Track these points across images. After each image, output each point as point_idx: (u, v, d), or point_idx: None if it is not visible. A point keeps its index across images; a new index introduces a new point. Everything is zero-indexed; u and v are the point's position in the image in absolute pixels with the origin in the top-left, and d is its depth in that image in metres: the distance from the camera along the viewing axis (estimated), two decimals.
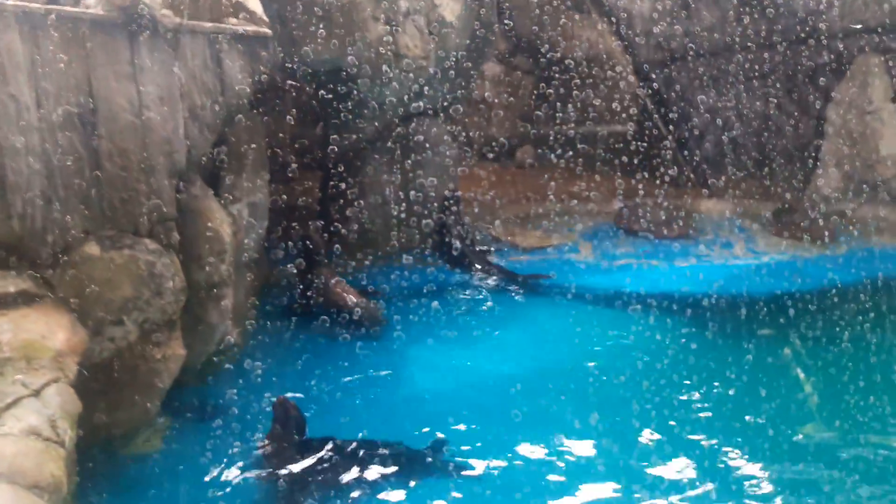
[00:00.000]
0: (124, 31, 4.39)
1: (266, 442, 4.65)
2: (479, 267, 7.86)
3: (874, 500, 4.57)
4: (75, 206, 4.28)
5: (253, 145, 5.93)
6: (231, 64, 5.06)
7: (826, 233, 9.00)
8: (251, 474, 4.62)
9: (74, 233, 4.28)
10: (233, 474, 4.63)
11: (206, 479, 4.64)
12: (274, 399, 4.86)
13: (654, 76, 9.84)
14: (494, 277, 7.84)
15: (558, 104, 9.94)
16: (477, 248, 7.92)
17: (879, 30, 8.79)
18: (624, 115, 9.80)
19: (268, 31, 5.32)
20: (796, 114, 9.69)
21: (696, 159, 10.28)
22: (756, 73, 9.69)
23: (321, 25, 5.99)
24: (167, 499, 4.49)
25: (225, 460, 4.74)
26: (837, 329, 6.70)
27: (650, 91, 10.02)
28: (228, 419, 5.08)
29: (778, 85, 9.71)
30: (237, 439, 4.91)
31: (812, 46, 9.27)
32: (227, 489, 4.53)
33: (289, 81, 6.81)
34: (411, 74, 6.85)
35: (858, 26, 8.84)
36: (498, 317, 7.22)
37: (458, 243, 7.82)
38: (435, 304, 7.23)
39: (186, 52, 4.77)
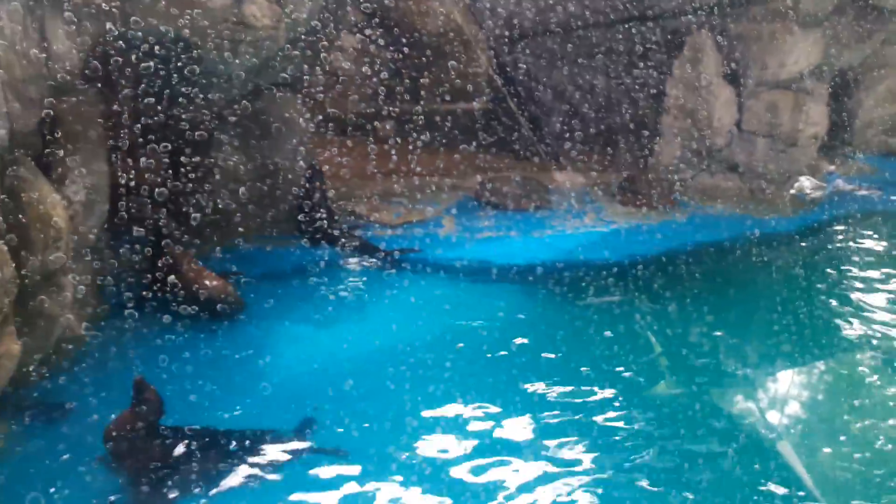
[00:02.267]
0: None
1: (116, 425, 4.38)
2: (344, 243, 7.76)
3: (718, 441, 5.04)
4: None
5: (87, 121, 5.51)
6: (55, 33, 4.65)
7: (667, 201, 9.74)
8: (101, 464, 4.36)
9: None
10: (82, 467, 4.36)
11: (47, 477, 4.34)
12: (130, 382, 4.57)
13: (503, 53, 10.10)
14: (359, 254, 7.79)
15: (415, 78, 9.98)
16: (341, 225, 7.80)
17: (711, 8, 9.49)
18: (480, 91, 10.01)
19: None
20: (637, 89, 10.31)
21: (547, 134, 10.71)
22: (600, 51, 10.20)
23: None
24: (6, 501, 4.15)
25: (70, 455, 4.45)
26: (681, 290, 7.30)
27: (500, 67, 10.28)
28: (73, 414, 4.75)
29: (620, 62, 10.27)
30: (83, 434, 4.61)
31: (651, 25, 9.87)
32: (71, 485, 4.25)
33: (127, 53, 6.32)
34: (260, 45, 6.58)
35: (693, 5, 9.49)
36: (363, 293, 7.22)
37: (322, 220, 7.67)
38: (297, 283, 7.12)
39: (3, 20, 4.32)
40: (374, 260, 7.72)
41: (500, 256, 8.06)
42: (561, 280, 7.41)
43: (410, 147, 9.57)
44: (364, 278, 7.50)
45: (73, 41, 4.79)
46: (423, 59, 9.78)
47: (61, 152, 5.25)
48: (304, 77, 8.14)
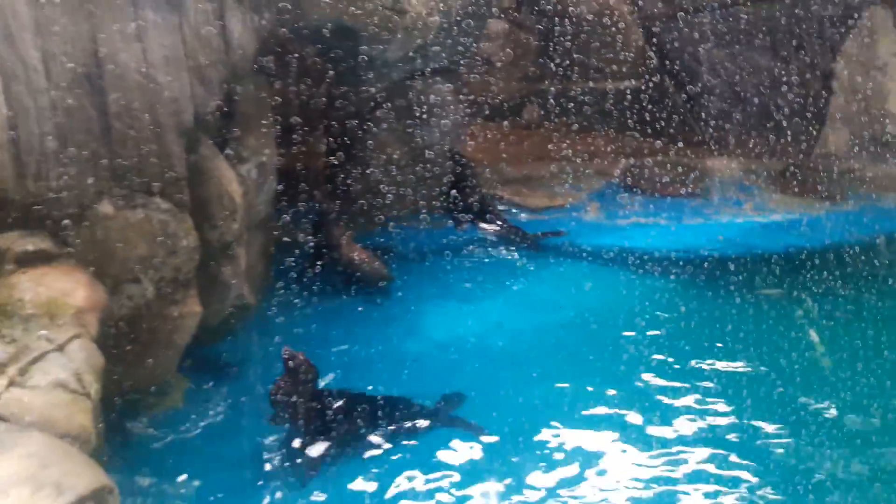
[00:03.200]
0: None
1: (277, 388, 4.75)
2: (490, 226, 7.87)
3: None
4: (88, 166, 4.33)
5: (259, 105, 5.95)
6: (234, 22, 5.05)
7: (834, 190, 9.00)
8: (266, 423, 4.73)
9: (88, 192, 4.34)
10: (249, 425, 4.76)
11: (225, 432, 4.80)
12: (286, 347, 4.93)
13: (659, 31, 9.73)
14: (505, 236, 7.87)
15: (564, 61, 9.88)
16: (489, 207, 7.91)
17: None
18: (630, 72, 9.72)
19: None
20: (804, 69, 9.59)
21: (703, 116, 10.21)
22: (764, 28, 9.57)
23: None
24: (189, 452, 4.62)
25: (242, 413, 4.88)
26: (847, 286, 6.74)
27: (656, 46, 9.91)
28: (245, 375, 5.21)
29: (785, 40, 9.59)
30: (253, 394, 5.04)
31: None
32: (245, 440, 4.67)
33: (293, 41, 6.77)
34: (415, 32, 6.80)
35: None
36: (508, 275, 7.31)
37: (472, 202, 7.83)
38: (445, 262, 7.33)
39: (189, 11, 4.76)
40: (519, 243, 7.76)
41: (648, 243, 7.84)
42: (715, 271, 7.08)
43: (559, 130, 9.51)
44: (509, 260, 7.58)
45: (250, 30, 5.17)
46: (574, 40, 9.65)
47: (236, 134, 5.71)
48: (456, 62, 8.32)
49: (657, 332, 6.02)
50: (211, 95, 4.98)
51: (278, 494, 4.32)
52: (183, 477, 4.34)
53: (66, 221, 4.29)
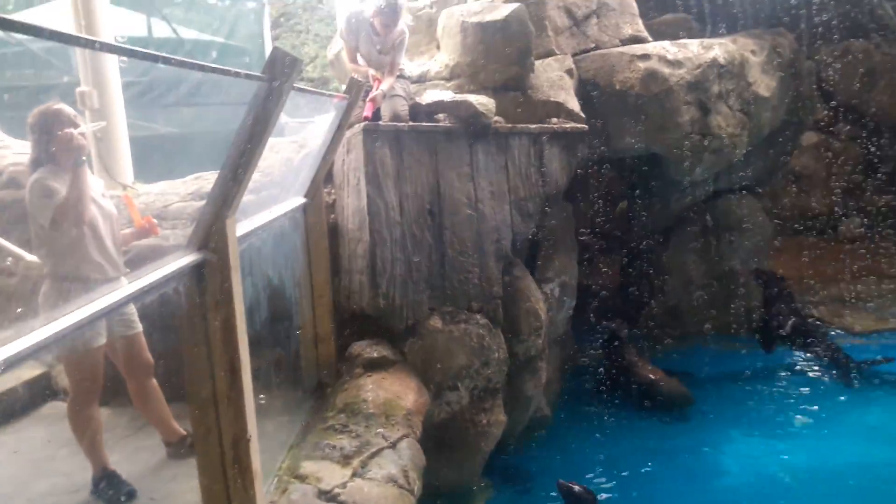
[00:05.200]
0: (466, 138, 5.17)
1: None
2: (810, 348, 7.22)
3: None
4: (424, 286, 5.05)
5: (564, 228, 6.39)
6: (551, 158, 5.61)
7: None
8: None
9: (423, 309, 5.04)
10: None
11: None
12: (556, 482, 5.01)
13: None
14: (823, 361, 7.16)
15: (888, 172, 8.96)
16: (810, 329, 7.30)
17: None
18: None
19: (585, 126, 5.78)
20: None
21: None
22: None
23: (635, 117, 6.29)
24: None
25: None
26: None
27: None
28: (541, 485, 5.38)
29: None
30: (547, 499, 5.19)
31: None
32: None
33: (599, 168, 7.20)
34: (723, 153, 6.79)
35: None
36: (824, 406, 6.59)
37: (787, 322, 7.30)
38: (752, 386, 6.88)
39: (514, 151, 5.42)
40: (839, 369, 7.00)
41: None
42: None
43: (881, 247, 8.55)
44: (826, 389, 6.85)
45: (563, 163, 5.68)
46: None
47: (544, 255, 6.17)
48: (765, 178, 8.05)
49: None
50: (527, 224, 5.52)
51: None
52: None
53: (402, 333, 5.00)
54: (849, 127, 9.27)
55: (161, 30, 9.70)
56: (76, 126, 3.42)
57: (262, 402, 3.36)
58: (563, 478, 5.06)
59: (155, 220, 3.95)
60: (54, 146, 3.37)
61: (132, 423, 4.37)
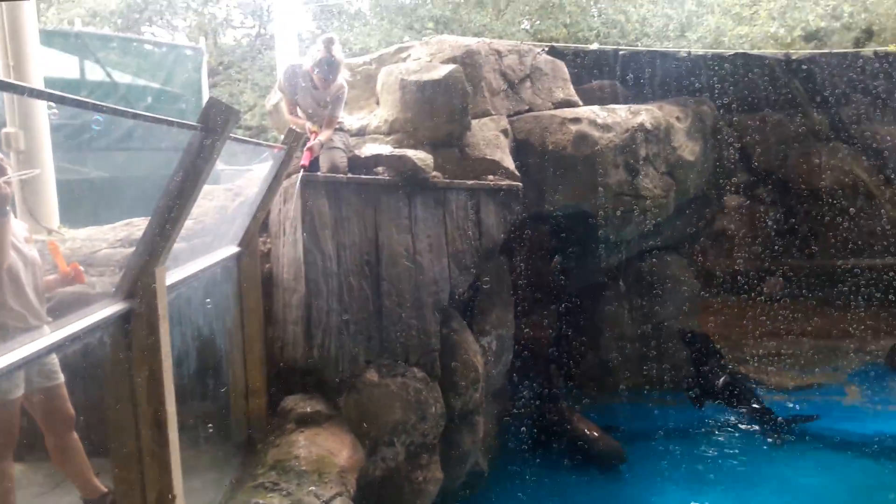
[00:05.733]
0: (404, 191, 5.22)
1: None
2: (739, 405, 7.41)
3: None
4: (361, 338, 4.99)
5: (500, 282, 6.46)
6: (488, 213, 5.70)
7: None
8: None
9: (359, 361, 4.96)
10: None
11: None
12: None
13: None
14: (750, 418, 7.35)
15: (810, 235, 9.47)
16: (739, 386, 7.50)
17: None
18: (883, 248, 9.03)
19: (519, 184, 5.93)
20: None
21: None
22: None
23: (566, 176, 6.49)
24: None
25: None
26: None
27: None
28: None
29: None
30: None
31: None
32: None
33: (533, 225, 7.36)
34: (650, 213, 7.06)
35: None
36: (751, 461, 6.75)
37: (715, 380, 7.50)
38: (682, 442, 6.99)
39: (452, 206, 5.49)
40: (766, 426, 7.21)
41: None
42: None
43: (803, 306, 8.98)
44: (753, 445, 7.03)
45: (499, 219, 5.79)
46: (817, 214, 9.29)
47: (481, 309, 6.21)
48: (692, 237, 8.38)
49: None
50: (465, 276, 5.56)
51: None
52: None
53: (337, 387, 4.90)
54: (769, 191, 9.79)
55: (94, 73, 9.52)
56: (4, 173, 3.29)
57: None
58: None
59: (81, 268, 3.80)
60: None
61: (49, 480, 4.09)
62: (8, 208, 3.27)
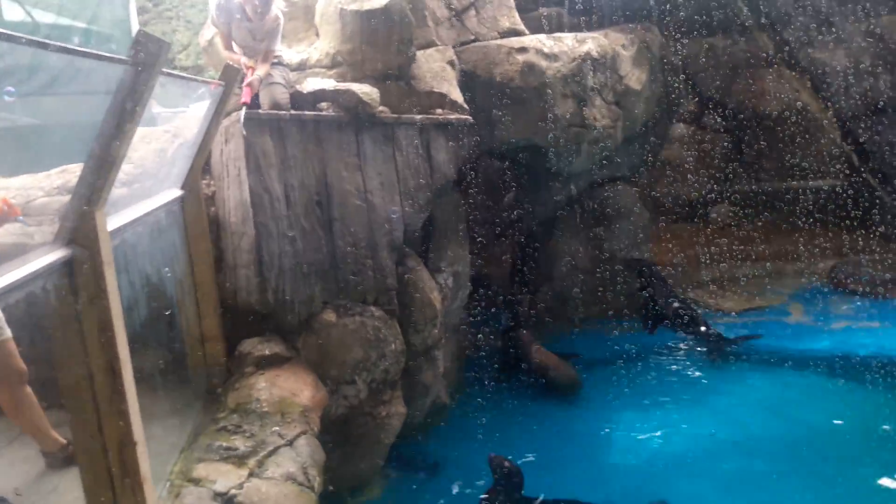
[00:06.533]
0: (352, 127, 5.11)
1: (488, 496, 4.87)
2: (688, 329, 7.64)
3: None
4: (316, 280, 4.95)
5: (455, 219, 6.45)
6: (438, 149, 5.63)
7: None
8: None
9: (315, 303, 4.93)
10: None
11: None
12: (487, 455, 5.10)
13: (859, 130, 9.24)
14: (700, 340, 7.61)
15: (755, 161, 9.67)
16: (687, 311, 7.73)
17: None
18: (828, 169, 9.29)
19: (469, 117, 5.85)
20: None
21: None
22: None
23: (515, 109, 6.43)
24: None
25: None
26: None
27: (855, 145, 9.40)
28: (445, 473, 5.41)
29: None
30: (449, 492, 5.22)
31: None
32: None
33: (485, 160, 7.32)
34: (600, 144, 7.08)
35: None
36: (703, 381, 7.03)
37: (669, 305, 7.69)
38: (633, 367, 7.21)
39: (402, 142, 5.40)
40: (711, 346, 7.47)
41: (860, 349, 7.21)
42: None
43: (751, 231, 9.22)
44: (704, 366, 7.30)
45: (450, 154, 5.73)
46: (763, 140, 9.47)
47: (436, 246, 6.21)
48: (640, 169, 8.46)
49: (874, 449, 5.46)
50: (418, 214, 5.52)
51: None
52: None
53: (295, 329, 4.88)
54: (716, 119, 9.91)
55: (13, 13, 8.92)
56: None
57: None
58: (460, 463, 5.11)
59: (13, 202, 3.63)
60: None
61: (4, 434, 4.01)
62: None
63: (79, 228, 2.68)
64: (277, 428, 4.23)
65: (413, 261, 5.70)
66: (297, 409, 4.40)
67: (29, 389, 3.66)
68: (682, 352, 7.58)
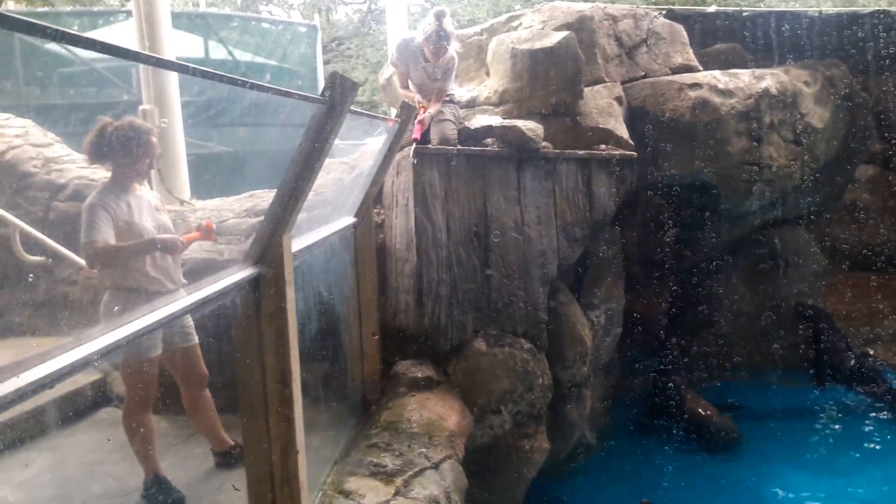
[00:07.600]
0: (514, 162, 5.21)
1: None
2: (862, 385, 6.98)
3: None
4: (469, 307, 5.07)
5: (611, 255, 6.35)
6: (599, 184, 5.59)
7: None
8: None
9: (468, 330, 5.05)
10: None
11: None
12: (641, 500, 4.95)
13: None
14: (878, 399, 6.91)
15: None
16: (863, 366, 7.07)
17: None
18: None
19: (633, 153, 5.77)
20: None
21: None
22: None
23: (684, 145, 6.25)
24: None
25: None
26: None
27: None
28: None
29: None
30: None
31: None
32: None
33: (648, 196, 7.15)
34: (775, 184, 6.69)
35: None
36: (878, 445, 6.36)
37: (845, 358, 7.09)
38: (800, 423, 6.68)
39: (562, 176, 5.43)
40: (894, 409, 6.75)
41: None
42: None
43: None
44: (880, 428, 6.61)
45: (611, 189, 5.66)
46: None
47: (590, 282, 6.14)
48: (821, 211, 7.88)
49: None
50: (573, 249, 5.50)
51: None
52: None
53: (447, 354, 5.01)
54: None
55: (217, 52, 10.03)
56: (154, 150, 3.59)
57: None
58: None
59: (214, 226, 4.05)
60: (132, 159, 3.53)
61: (182, 432, 4.46)
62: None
63: (267, 249, 2.95)
64: (424, 450, 4.35)
65: (565, 295, 5.68)
66: (444, 434, 4.50)
67: (208, 392, 4.05)
68: (856, 410, 6.92)
